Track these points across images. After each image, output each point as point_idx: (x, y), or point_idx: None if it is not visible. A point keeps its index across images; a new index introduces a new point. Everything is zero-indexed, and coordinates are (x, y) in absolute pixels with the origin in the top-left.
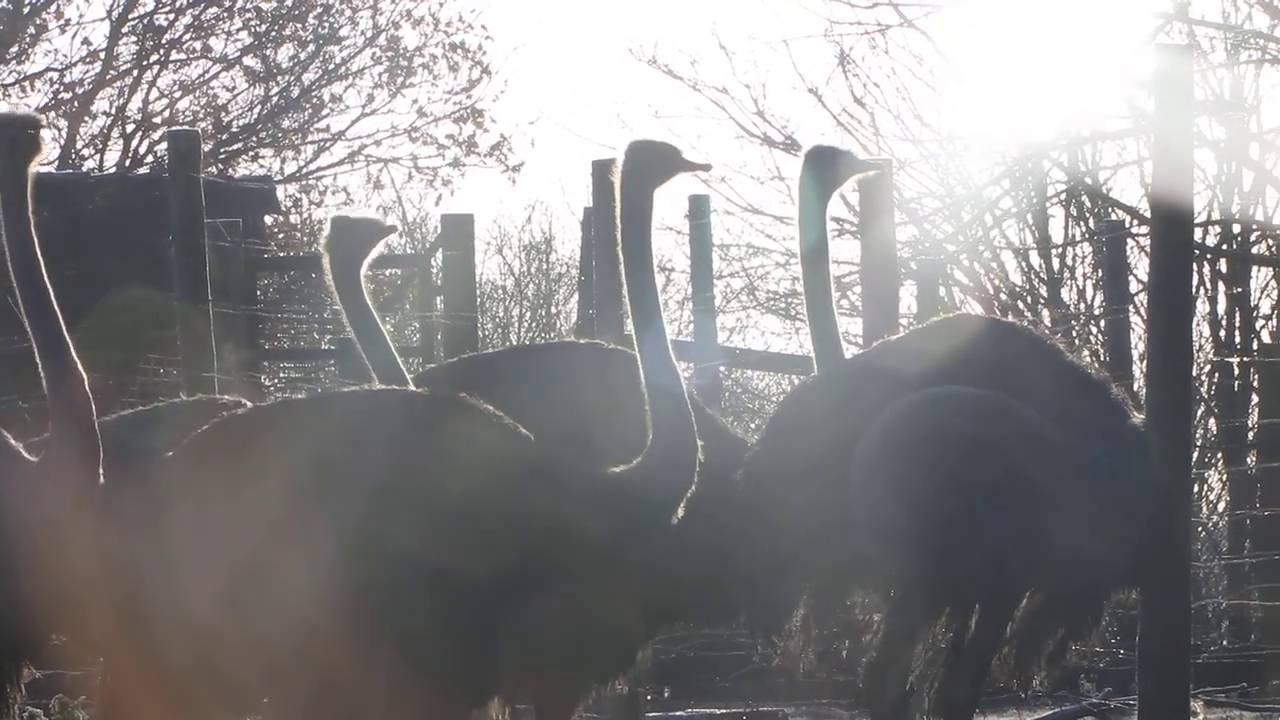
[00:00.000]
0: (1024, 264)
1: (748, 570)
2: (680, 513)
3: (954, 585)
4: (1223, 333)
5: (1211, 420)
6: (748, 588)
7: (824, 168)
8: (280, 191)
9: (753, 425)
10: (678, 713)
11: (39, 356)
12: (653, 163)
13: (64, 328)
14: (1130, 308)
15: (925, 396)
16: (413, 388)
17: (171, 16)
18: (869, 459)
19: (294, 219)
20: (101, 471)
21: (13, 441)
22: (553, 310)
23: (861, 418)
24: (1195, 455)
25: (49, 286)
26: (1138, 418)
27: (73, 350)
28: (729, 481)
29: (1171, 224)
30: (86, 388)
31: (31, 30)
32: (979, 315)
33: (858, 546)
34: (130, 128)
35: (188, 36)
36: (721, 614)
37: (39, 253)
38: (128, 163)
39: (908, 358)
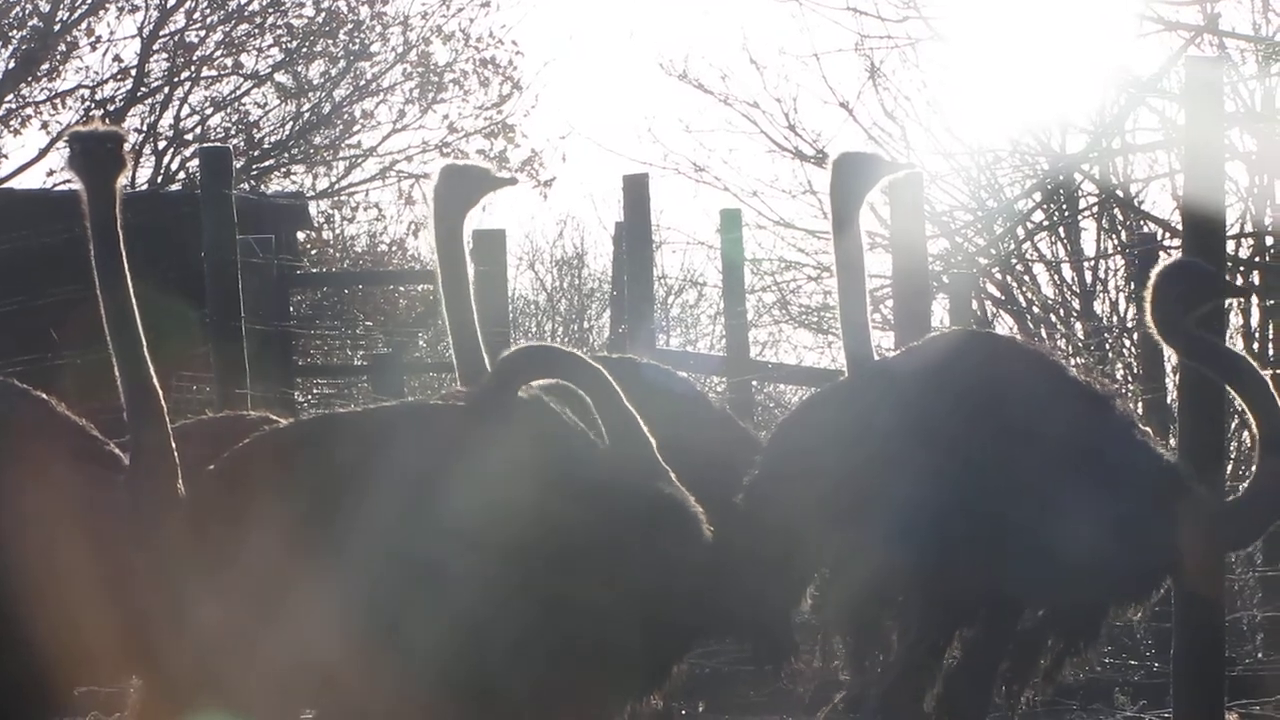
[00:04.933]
0: (1056, 277)
1: (748, 583)
2: (709, 524)
3: (955, 597)
4: (1256, 345)
5: (1245, 433)
6: (749, 602)
7: (852, 172)
8: (312, 208)
9: None
10: None
11: (120, 374)
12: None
13: (145, 346)
14: None
15: (917, 403)
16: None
17: (202, 33)
18: (863, 469)
19: (326, 235)
20: (181, 486)
21: (115, 449)
22: (585, 325)
23: (854, 427)
24: (1229, 468)
25: (135, 305)
26: (1146, 431)
27: (152, 369)
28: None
29: (1203, 236)
30: (164, 405)
31: (62, 47)
32: (980, 331)
33: (851, 553)
34: (162, 144)
35: (219, 53)
36: (729, 629)
37: (127, 271)
38: (160, 179)
39: (905, 370)
